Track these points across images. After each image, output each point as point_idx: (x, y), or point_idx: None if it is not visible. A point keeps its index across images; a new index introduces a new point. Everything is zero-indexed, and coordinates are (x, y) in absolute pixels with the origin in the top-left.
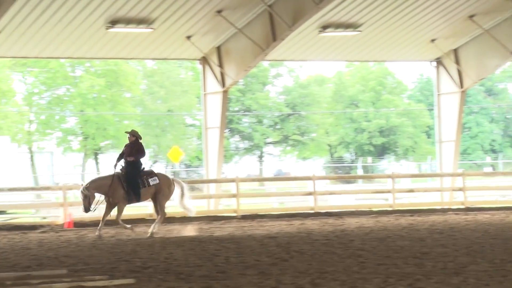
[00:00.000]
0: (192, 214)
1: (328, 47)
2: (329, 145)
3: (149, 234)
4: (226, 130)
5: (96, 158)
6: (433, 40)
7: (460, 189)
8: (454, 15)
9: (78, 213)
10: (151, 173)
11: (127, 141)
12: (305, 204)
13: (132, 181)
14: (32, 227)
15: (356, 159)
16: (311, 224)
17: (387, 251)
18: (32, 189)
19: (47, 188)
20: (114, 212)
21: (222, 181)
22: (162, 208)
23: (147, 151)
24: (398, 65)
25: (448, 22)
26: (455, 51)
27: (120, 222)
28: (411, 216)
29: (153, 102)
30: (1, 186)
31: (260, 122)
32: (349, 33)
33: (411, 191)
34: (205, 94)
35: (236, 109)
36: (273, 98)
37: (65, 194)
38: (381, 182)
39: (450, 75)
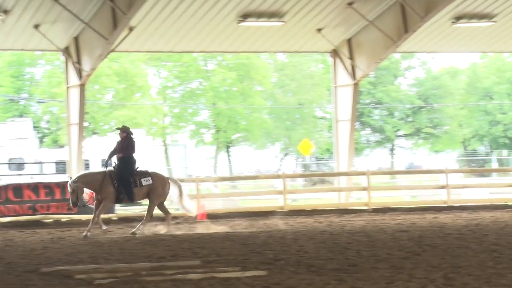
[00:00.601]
0: (193, 214)
1: (461, 39)
2: (463, 138)
3: (133, 231)
4: (357, 123)
5: (227, 151)
6: None
7: None
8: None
9: (211, 205)
10: (144, 173)
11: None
12: (437, 197)
13: (124, 180)
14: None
15: (490, 152)
16: (444, 218)
17: None
18: None
19: (181, 180)
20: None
21: (352, 174)
22: (151, 208)
23: (138, 147)
24: None
25: None
26: None
27: (99, 220)
28: None
29: (284, 95)
30: None
31: (391, 114)
32: (483, 24)
33: None
34: (335, 86)
35: (367, 101)
36: (405, 91)
37: (198, 186)
38: None
39: None
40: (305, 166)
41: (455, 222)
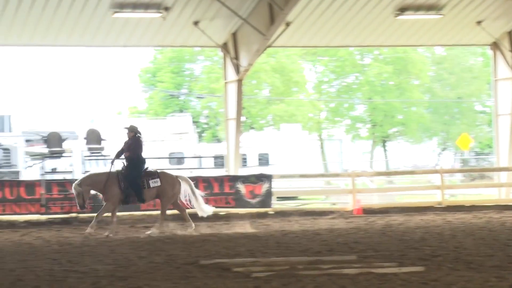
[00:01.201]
0: (205, 215)
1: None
2: None
3: (149, 233)
4: None
5: (384, 146)
6: None
7: None
8: None
9: (367, 200)
10: (153, 174)
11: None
12: None
13: (132, 181)
14: (322, 213)
15: None
16: None
17: None
18: (322, 175)
19: (337, 175)
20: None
21: None
22: (164, 211)
23: (145, 147)
24: None
25: None
26: None
27: (97, 221)
28: None
29: (442, 89)
30: (293, 173)
31: None
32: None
33: None
34: (496, 80)
35: None
36: None
37: (354, 181)
38: None
39: None
40: (464, 161)
41: None
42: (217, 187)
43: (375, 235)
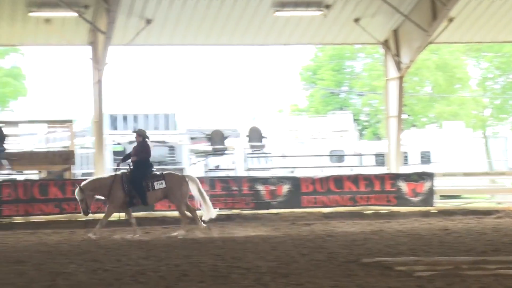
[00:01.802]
0: (208, 218)
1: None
2: None
3: (175, 234)
4: None
5: None
6: None
7: None
8: None
9: None
10: (158, 176)
11: None
12: None
13: (136, 184)
14: (487, 212)
15: None
16: None
17: None
18: (487, 174)
19: (502, 173)
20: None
21: None
22: (181, 211)
23: (152, 151)
24: None
25: None
26: None
27: (100, 226)
28: None
29: None
30: (456, 171)
31: None
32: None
33: None
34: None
35: None
36: None
37: None
38: None
39: None
40: None
41: None
42: (378, 185)
43: None
